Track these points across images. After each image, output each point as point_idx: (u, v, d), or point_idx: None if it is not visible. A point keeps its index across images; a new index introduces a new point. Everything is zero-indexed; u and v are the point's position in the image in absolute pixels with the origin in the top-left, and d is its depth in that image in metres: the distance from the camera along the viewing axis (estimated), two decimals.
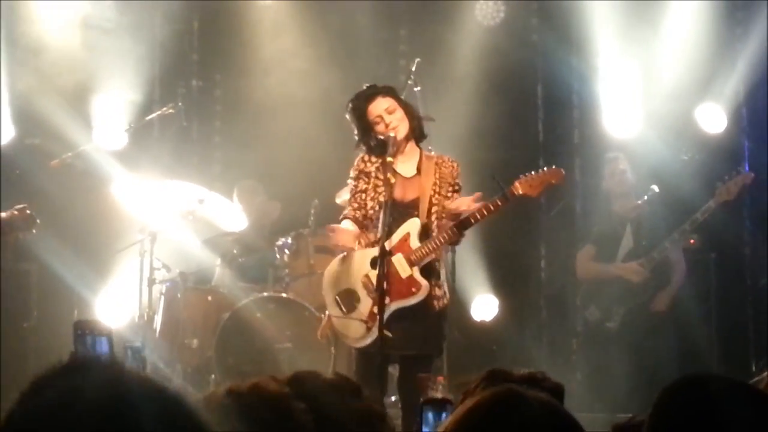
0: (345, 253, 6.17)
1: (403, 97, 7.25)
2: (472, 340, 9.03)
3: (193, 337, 8.00)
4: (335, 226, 6.19)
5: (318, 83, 9.44)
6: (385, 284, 5.79)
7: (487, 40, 9.74)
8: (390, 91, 6.22)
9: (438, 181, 6.12)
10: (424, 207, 6.05)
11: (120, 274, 8.60)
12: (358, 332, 5.94)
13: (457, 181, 6.17)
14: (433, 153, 6.33)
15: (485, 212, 5.95)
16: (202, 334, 8.00)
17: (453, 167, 6.20)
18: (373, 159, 6.14)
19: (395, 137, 6.05)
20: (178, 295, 8.07)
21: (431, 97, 7.94)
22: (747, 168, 8.62)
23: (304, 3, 9.79)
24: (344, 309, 6.00)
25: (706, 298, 8.73)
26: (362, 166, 6.16)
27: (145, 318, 7.85)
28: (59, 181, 8.29)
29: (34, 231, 6.74)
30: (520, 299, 9.68)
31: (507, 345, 9.19)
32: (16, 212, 6.60)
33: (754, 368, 8.64)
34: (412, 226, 6.02)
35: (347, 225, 6.12)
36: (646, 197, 8.37)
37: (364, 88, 6.27)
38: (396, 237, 5.98)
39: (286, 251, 8.23)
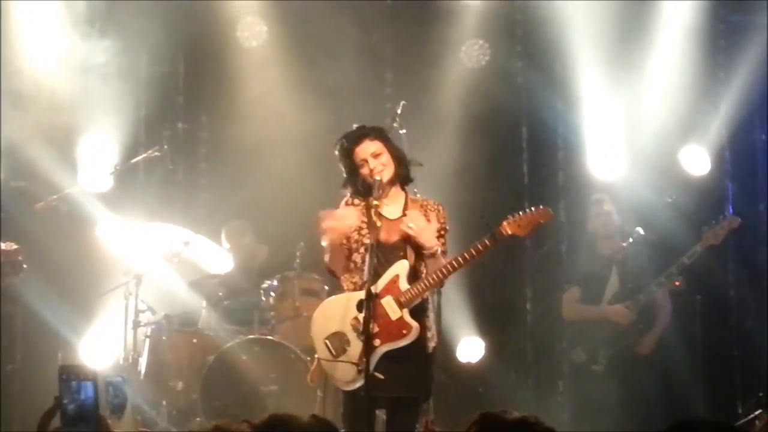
0: (334, 297, 6.17)
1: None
2: (458, 381, 9.01)
3: (178, 380, 7.97)
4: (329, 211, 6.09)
5: (304, 126, 9.46)
6: (376, 327, 5.79)
7: (472, 82, 9.79)
8: (379, 135, 6.18)
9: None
10: (411, 249, 6.05)
11: (105, 317, 8.56)
12: (349, 375, 5.88)
13: (444, 225, 6.16)
14: (418, 196, 6.32)
15: (474, 253, 5.94)
16: (187, 377, 7.96)
17: (439, 211, 6.19)
18: (357, 202, 6.12)
19: (381, 181, 6.04)
20: (163, 338, 8.05)
21: (417, 139, 7.94)
22: (731, 210, 8.65)
23: (289, 46, 9.82)
24: (334, 352, 5.95)
25: (692, 340, 8.74)
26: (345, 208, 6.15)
27: (130, 360, 7.82)
28: (44, 224, 8.28)
29: (19, 275, 6.73)
30: (506, 341, 9.67)
31: (493, 387, 9.17)
32: (5, 248, 6.60)
33: (740, 410, 8.64)
34: (400, 268, 5.99)
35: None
36: (631, 239, 8.38)
37: (354, 128, 6.27)
38: (385, 279, 5.96)
39: (272, 294, 8.23)
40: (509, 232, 6.04)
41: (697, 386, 8.55)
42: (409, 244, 6.03)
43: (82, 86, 9.15)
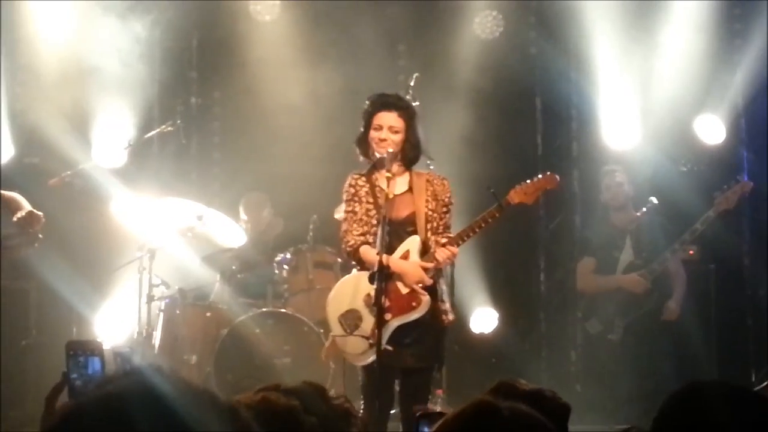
0: (346, 277, 6.26)
1: None
2: (471, 352, 9.02)
3: (192, 353, 8.00)
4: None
5: (317, 100, 9.46)
6: (387, 301, 5.88)
7: (485, 53, 9.76)
8: (406, 113, 6.18)
9: (430, 198, 6.14)
10: (421, 223, 6.07)
11: (119, 292, 8.60)
12: (360, 348, 5.98)
13: (449, 198, 6.18)
14: (423, 171, 6.31)
15: (483, 224, 6.02)
16: (201, 350, 8.00)
17: (444, 185, 6.23)
18: (361, 182, 6.16)
19: (393, 153, 6.06)
20: (177, 312, 8.08)
21: (430, 111, 7.95)
22: (746, 178, 8.60)
23: (302, 19, 9.80)
24: (347, 330, 6.05)
25: (706, 309, 8.71)
26: (353, 190, 6.17)
27: (144, 334, 7.85)
28: (58, 200, 8.29)
29: (36, 246, 6.78)
30: (519, 312, 9.67)
31: (506, 357, 9.18)
32: (23, 216, 6.65)
33: (754, 378, 8.63)
34: (412, 244, 6.04)
35: (372, 251, 6.03)
36: (645, 209, 8.36)
37: (392, 94, 6.30)
38: (396, 254, 6.01)
39: (285, 267, 8.24)
40: (516, 201, 6.11)
41: (711, 355, 8.52)
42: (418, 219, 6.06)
43: (96, 62, 9.17)
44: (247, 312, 7.96)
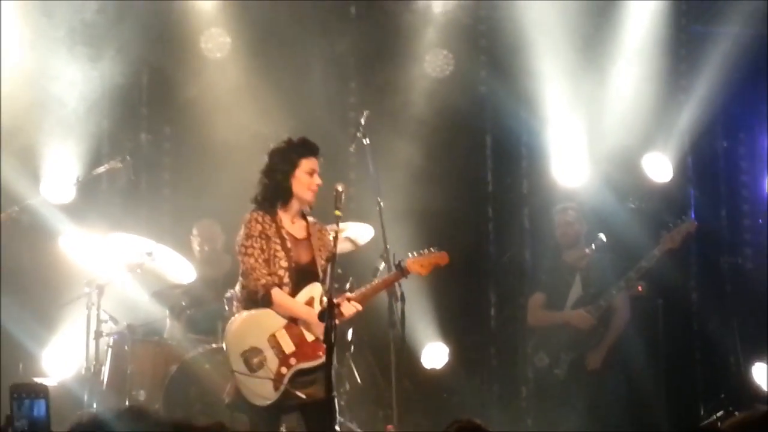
0: (251, 312, 6.16)
1: (352, 148, 7.37)
2: (422, 387, 9.01)
3: (141, 389, 7.91)
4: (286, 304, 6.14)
5: (268, 135, 9.43)
6: (292, 346, 6.03)
7: (436, 91, 9.83)
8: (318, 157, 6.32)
9: (321, 248, 6.25)
10: (319, 270, 6.15)
11: (67, 327, 8.52)
12: (266, 390, 6.00)
13: (333, 251, 6.11)
14: (311, 220, 6.36)
15: (383, 286, 6.35)
16: (150, 386, 7.91)
17: (328, 235, 6.31)
18: (268, 220, 6.17)
19: (342, 192, 6.09)
20: (126, 347, 8.00)
21: (381, 148, 7.98)
22: (693, 216, 8.70)
23: (252, 56, 9.80)
24: (253, 367, 6.04)
25: (654, 343, 8.78)
26: (260, 227, 6.16)
27: (93, 370, 7.77)
28: (5, 235, 8.22)
29: None
30: (470, 347, 9.68)
31: (457, 392, 9.18)
32: None
33: (702, 411, 8.69)
34: (315, 291, 6.12)
35: (284, 294, 6.10)
36: (594, 246, 8.41)
37: (304, 140, 6.34)
38: (300, 298, 6.11)
39: (235, 303, 8.19)
40: (412, 271, 6.31)
41: (659, 388, 8.58)
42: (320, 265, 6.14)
43: (45, 97, 9.11)
44: (196, 348, 7.90)
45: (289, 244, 6.13)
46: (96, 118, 9.43)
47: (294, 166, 6.19)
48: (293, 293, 6.09)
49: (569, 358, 8.19)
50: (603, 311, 8.14)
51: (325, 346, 5.78)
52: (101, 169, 8.53)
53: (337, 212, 6.03)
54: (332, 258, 5.91)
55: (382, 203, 7.00)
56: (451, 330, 9.43)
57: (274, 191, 6.22)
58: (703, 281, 9.28)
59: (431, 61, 9.95)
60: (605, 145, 9.38)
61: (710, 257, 9.06)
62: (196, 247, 8.83)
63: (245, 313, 6.19)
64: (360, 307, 6.10)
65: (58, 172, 9.10)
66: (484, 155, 10.02)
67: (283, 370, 6.00)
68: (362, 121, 7.58)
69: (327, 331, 5.71)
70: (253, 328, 6.11)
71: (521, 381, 9.42)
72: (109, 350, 8.00)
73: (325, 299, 5.80)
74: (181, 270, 8.34)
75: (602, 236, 8.43)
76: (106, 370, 7.92)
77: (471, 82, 9.97)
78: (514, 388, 9.47)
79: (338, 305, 5.91)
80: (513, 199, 9.88)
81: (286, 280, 6.09)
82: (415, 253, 6.32)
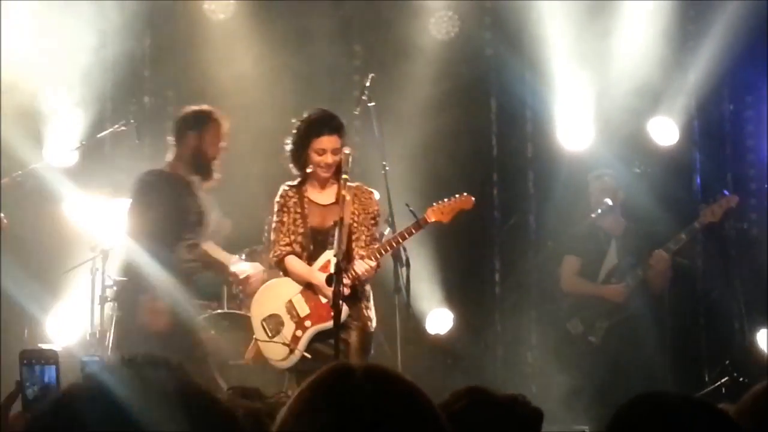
0: (271, 281, 6.62)
1: (357, 111, 7.36)
2: (426, 354, 9.01)
3: None
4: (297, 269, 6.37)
5: (272, 99, 9.40)
6: (307, 308, 6.33)
7: (441, 54, 9.78)
8: (343, 131, 6.44)
9: (357, 210, 6.37)
10: (344, 233, 6.17)
11: (71, 293, 8.51)
12: (281, 354, 6.35)
13: (376, 210, 6.46)
14: (351, 183, 6.41)
15: (400, 239, 6.37)
16: (155, 352, 7.90)
17: (371, 198, 6.50)
18: (291, 193, 6.46)
19: (350, 155, 6.28)
20: None
21: (385, 111, 7.93)
22: (699, 180, 8.65)
23: (256, 18, 9.75)
24: (269, 333, 6.39)
25: (660, 310, 8.75)
26: (282, 201, 6.48)
27: (97, 336, 7.77)
28: (9, 200, 8.19)
29: None
30: (474, 312, 9.68)
31: (462, 358, 9.19)
32: None
33: (706, 378, 8.68)
34: (331, 254, 6.20)
35: (296, 261, 6.40)
36: (600, 210, 8.37)
37: (325, 114, 6.45)
38: (317, 264, 6.35)
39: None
40: (432, 219, 6.39)
41: (665, 356, 8.56)
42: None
43: (48, 61, 9.06)
44: (201, 313, 7.89)
45: (307, 211, 6.37)
46: (99, 80, 9.38)
47: (306, 146, 6.39)
48: (313, 258, 6.35)
49: (605, 326, 8.16)
50: (638, 282, 8.09)
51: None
52: (105, 133, 8.50)
53: (345, 176, 6.20)
54: (340, 222, 6.02)
55: (387, 167, 6.97)
56: (455, 296, 9.43)
57: (296, 167, 6.48)
58: (708, 248, 9.24)
59: (436, 24, 9.89)
60: (610, 109, 9.32)
61: (715, 222, 9.00)
62: None
63: (266, 283, 6.63)
64: (373, 264, 6.24)
65: (61, 136, 9.07)
66: (488, 118, 9.97)
67: (299, 333, 6.34)
68: (367, 84, 7.55)
69: (334, 296, 5.89)
70: (271, 296, 6.49)
71: (527, 347, 9.42)
72: (114, 316, 8.00)
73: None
74: None
75: (608, 201, 8.38)
76: (110, 336, 7.92)
77: (476, 45, 9.91)
78: (519, 354, 9.46)
79: (350, 265, 6.13)
80: (517, 163, 9.83)
81: (304, 244, 6.36)
82: (435, 203, 6.41)
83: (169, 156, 7.19)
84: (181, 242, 7.00)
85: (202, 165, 7.12)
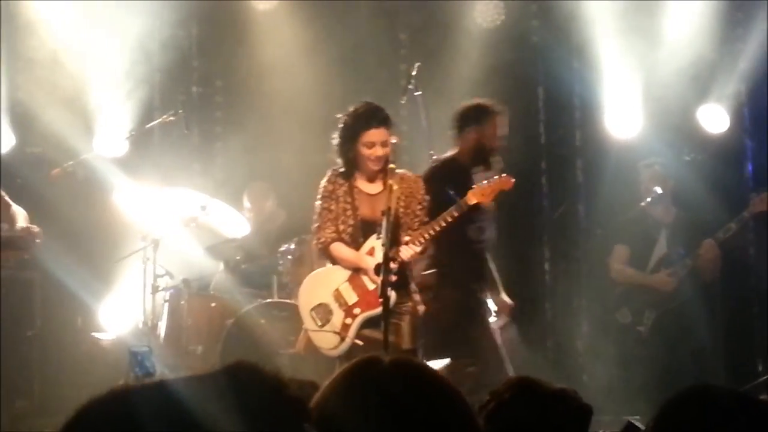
0: (317, 270, 6.61)
1: (404, 100, 7.36)
2: None
3: (198, 344, 7.99)
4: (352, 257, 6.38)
5: (319, 89, 9.42)
6: (355, 296, 6.33)
7: (487, 42, 9.73)
8: (390, 122, 6.39)
9: (404, 196, 6.34)
10: (391, 220, 6.16)
11: (123, 282, 8.59)
12: (332, 343, 6.35)
13: (422, 196, 6.42)
14: (398, 170, 6.38)
15: (443, 223, 6.30)
16: (206, 341, 7.98)
17: (418, 184, 6.46)
18: (341, 181, 6.40)
19: (396, 144, 6.33)
20: (182, 302, 8.06)
21: (431, 100, 7.93)
22: (750, 168, 8.57)
23: (304, 9, 9.76)
24: (319, 322, 6.40)
25: (712, 299, 8.68)
26: (331, 188, 6.42)
27: (149, 325, 7.83)
28: (61, 190, 8.28)
29: (34, 249, 6.91)
30: (524, 302, 9.62)
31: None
32: (20, 232, 6.86)
33: (760, 368, 8.61)
34: (377, 241, 6.20)
35: (343, 247, 6.38)
36: (649, 199, 8.33)
37: (371, 107, 6.40)
38: (363, 250, 6.33)
39: (289, 257, 8.22)
40: (473, 201, 6.36)
41: (717, 345, 8.50)
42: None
43: (97, 52, 9.13)
44: (252, 302, 7.95)
45: (357, 202, 6.35)
46: (148, 71, 9.44)
47: (355, 140, 6.33)
48: (360, 244, 6.32)
49: (653, 316, 8.13)
50: (688, 270, 8.05)
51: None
52: (154, 123, 8.56)
53: (392, 165, 6.17)
54: (387, 211, 5.96)
55: (434, 155, 6.96)
56: (504, 285, 9.40)
57: (345, 162, 6.41)
58: (760, 235, 9.15)
59: (482, 12, 9.85)
60: (659, 96, 9.24)
61: (765, 211, 8.91)
62: (247, 206, 8.85)
63: (313, 273, 6.61)
64: (416, 249, 6.21)
65: (111, 126, 9.14)
66: (536, 107, 9.92)
67: (348, 321, 6.34)
68: (413, 73, 7.56)
69: (383, 285, 5.86)
70: (319, 285, 6.48)
71: (577, 336, 9.39)
72: (166, 305, 8.07)
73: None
74: (235, 224, 8.37)
75: (658, 189, 8.34)
76: (162, 325, 7.99)
77: (523, 32, 9.85)
78: (569, 344, 9.43)
79: (397, 250, 6.10)
80: (565, 151, 9.79)
81: (354, 235, 6.33)
82: (476, 185, 6.43)
83: (452, 150, 7.19)
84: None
85: (483, 158, 7.10)
